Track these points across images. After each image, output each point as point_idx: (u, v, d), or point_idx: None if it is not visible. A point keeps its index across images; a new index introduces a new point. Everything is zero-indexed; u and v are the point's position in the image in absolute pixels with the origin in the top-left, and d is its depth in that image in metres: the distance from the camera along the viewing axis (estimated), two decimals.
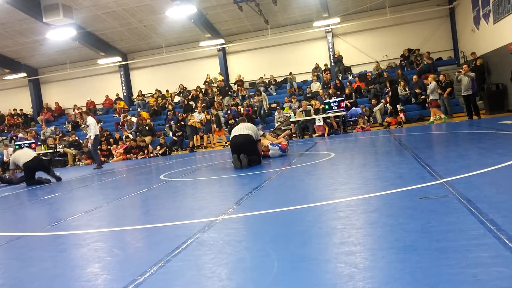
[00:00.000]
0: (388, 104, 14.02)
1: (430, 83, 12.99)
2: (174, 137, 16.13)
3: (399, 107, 13.83)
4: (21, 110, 22.29)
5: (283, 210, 3.35)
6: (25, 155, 8.55)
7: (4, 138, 19.37)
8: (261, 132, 12.09)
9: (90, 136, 11.30)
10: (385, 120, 13.71)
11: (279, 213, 3.30)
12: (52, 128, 18.52)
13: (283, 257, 2.19)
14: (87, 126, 11.53)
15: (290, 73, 18.86)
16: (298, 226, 2.80)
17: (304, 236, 2.56)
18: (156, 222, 3.59)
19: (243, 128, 7.09)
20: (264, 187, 4.58)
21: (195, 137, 15.43)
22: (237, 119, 15.71)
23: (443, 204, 2.85)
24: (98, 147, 12.83)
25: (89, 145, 11.66)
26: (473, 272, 1.72)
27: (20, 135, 17.82)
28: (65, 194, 6.65)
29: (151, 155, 14.76)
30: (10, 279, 2.45)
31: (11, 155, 14.87)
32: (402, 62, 17.59)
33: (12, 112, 22.05)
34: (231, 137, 7.17)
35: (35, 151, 15.41)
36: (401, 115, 13.86)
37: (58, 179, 8.62)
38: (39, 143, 16.65)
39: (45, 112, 21.49)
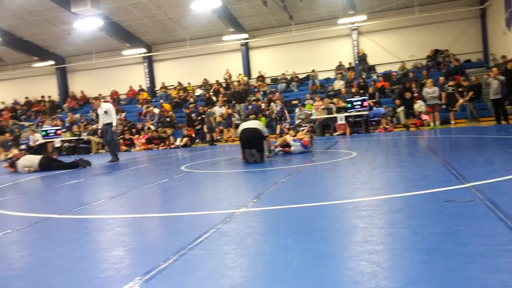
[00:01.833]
0: (402, 107, 13.94)
1: (431, 88, 12.79)
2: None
3: (420, 109, 13.57)
4: (49, 97, 22.95)
5: (304, 206, 3.35)
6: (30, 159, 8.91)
7: (31, 123, 19.98)
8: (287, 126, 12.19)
9: (112, 123, 9.67)
10: (406, 121, 13.50)
11: (299, 209, 3.30)
12: (77, 116, 18.98)
13: (303, 252, 2.19)
14: (105, 112, 9.68)
15: (313, 70, 18.70)
16: (319, 223, 2.79)
17: (325, 232, 2.56)
18: (177, 211, 3.64)
19: (252, 123, 7.32)
20: (285, 183, 4.58)
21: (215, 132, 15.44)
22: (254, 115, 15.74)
23: (470, 208, 2.79)
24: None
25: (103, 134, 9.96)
26: (500, 277, 1.69)
27: (47, 122, 18.30)
28: (88, 180, 6.83)
29: (172, 146, 14.94)
30: (38, 257, 2.55)
31: (37, 140, 15.41)
32: (429, 62, 17.17)
33: (40, 99, 22.74)
34: (240, 130, 7.21)
35: (61, 137, 15.90)
36: (427, 117, 13.56)
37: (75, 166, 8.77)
38: (64, 129, 17.09)
39: (70, 100, 22.04)
